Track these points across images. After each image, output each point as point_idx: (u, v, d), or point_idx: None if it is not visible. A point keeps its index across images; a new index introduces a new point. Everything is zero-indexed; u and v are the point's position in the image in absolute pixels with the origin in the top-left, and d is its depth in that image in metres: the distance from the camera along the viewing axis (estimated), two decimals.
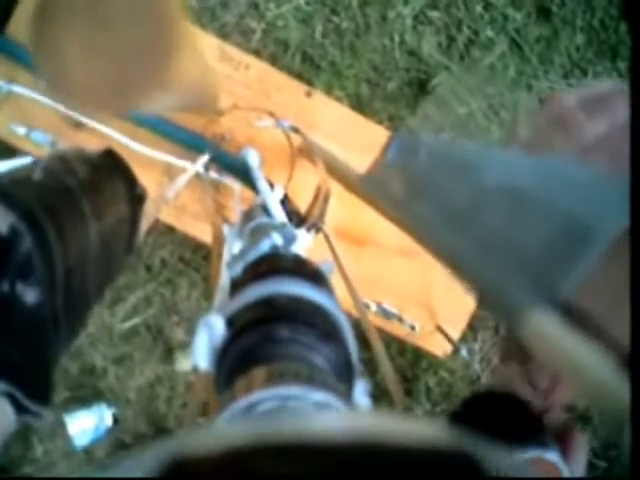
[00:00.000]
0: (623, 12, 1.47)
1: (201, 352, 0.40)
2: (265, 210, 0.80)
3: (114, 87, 0.50)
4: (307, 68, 1.41)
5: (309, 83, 1.33)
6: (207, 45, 1.22)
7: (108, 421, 1.46)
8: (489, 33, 1.47)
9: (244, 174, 1.13)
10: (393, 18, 1.43)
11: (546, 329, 0.22)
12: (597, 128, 0.28)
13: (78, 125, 1.17)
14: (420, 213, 0.36)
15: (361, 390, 0.40)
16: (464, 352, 1.46)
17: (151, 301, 1.46)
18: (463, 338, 1.42)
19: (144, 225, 0.88)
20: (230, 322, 0.42)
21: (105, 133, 1.14)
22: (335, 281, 0.51)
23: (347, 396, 0.36)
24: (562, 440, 0.59)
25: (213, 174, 1.15)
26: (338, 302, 0.46)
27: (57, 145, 1.17)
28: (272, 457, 0.17)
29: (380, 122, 1.38)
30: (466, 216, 0.30)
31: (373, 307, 1.31)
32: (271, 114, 1.15)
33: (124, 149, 1.11)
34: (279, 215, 0.78)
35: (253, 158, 1.15)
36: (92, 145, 0.83)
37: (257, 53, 1.34)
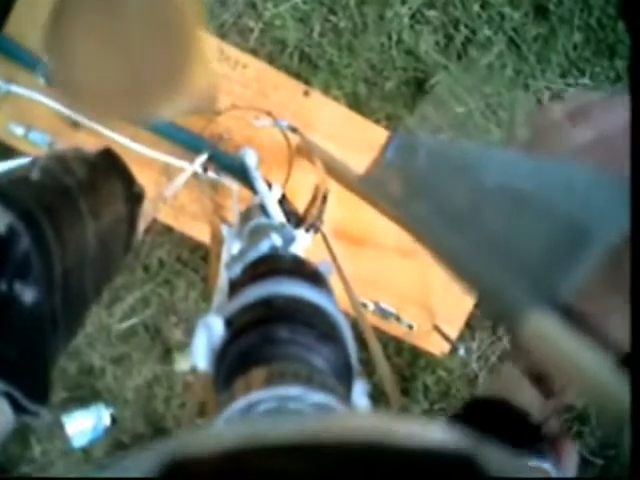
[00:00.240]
0: (620, 11, 1.47)
1: (200, 353, 0.40)
2: (263, 210, 0.80)
3: (129, 94, 0.50)
4: (305, 67, 1.41)
5: (307, 82, 1.33)
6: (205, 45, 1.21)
7: (106, 421, 1.46)
8: (487, 32, 1.47)
9: (242, 174, 1.13)
10: (390, 17, 1.43)
11: (545, 330, 0.22)
12: (582, 136, 0.28)
13: (76, 125, 1.16)
14: (419, 213, 0.36)
15: (360, 391, 0.40)
16: (462, 351, 1.46)
17: (149, 301, 1.46)
18: (461, 337, 1.42)
19: (142, 224, 0.88)
20: (229, 323, 0.42)
21: (103, 133, 1.13)
22: (333, 281, 0.51)
23: (346, 397, 0.36)
24: (554, 448, 0.59)
25: (211, 174, 1.15)
26: (337, 302, 0.46)
27: (55, 145, 1.17)
28: (271, 457, 0.17)
29: (378, 121, 1.38)
30: (465, 217, 0.30)
31: (371, 306, 1.31)
32: (269, 113, 1.15)
33: (122, 149, 1.10)
34: (277, 215, 0.78)
35: (251, 158, 1.15)
36: (90, 145, 0.83)
37: (255, 52, 1.34)
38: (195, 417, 0.50)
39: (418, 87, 1.46)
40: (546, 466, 0.55)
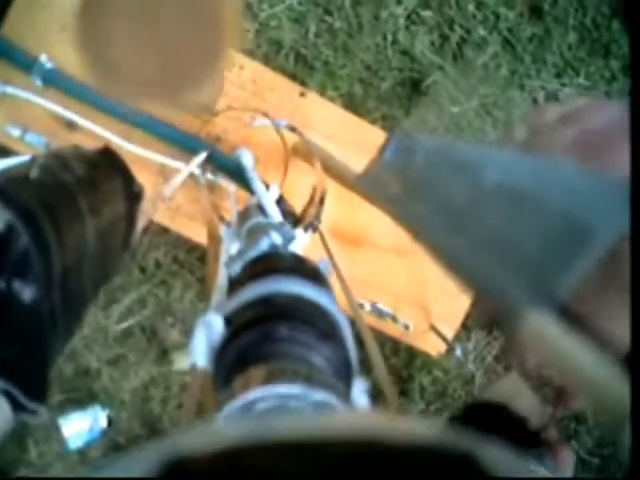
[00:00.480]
0: (617, 10, 1.48)
1: (199, 351, 0.40)
2: (261, 210, 0.80)
3: (165, 77, 0.50)
4: (301, 68, 1.41)
5: (303, 83, 1.33)
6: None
7: (103, 423, 1.45)
8: (482, 32, 1.48)
9: (239, 175, 1.13)
10: (386, 18, 1.44)
11: (544, 330, 0.22)
12: (565, 135, 0.29)
13: (72, 126, 1.16)
14: (417, 213, 0.36)
15: (360, 389, 0.40)
16: (458, 351, 1.47)
17: (145, 302, 1.46)
18: (457, 337, 1.42)
19: (140, 223, 0.88)
20: (228, 321, 0.42)
21: (100, 134, 1.13)
22: (330, 281, 0.51)
23: (346, 395, 0.36)
24: (552, 454, 0.59)
25: (208, 175, 1.15)
26: (337, 301, 0.46)
27: (52, 146, 1.17)
28: (270, 456, 0.17)
29: (374, 122, 1.38)
30: (463, 216, 0.30)
31: (367, 307, 1.31)
32: (265, 114, 1.15)
33: (118, 149, 1.10)
34: (275, 215, 0.78)
35: (247, 158, 1.15)
36: (87, 146, 0.83)
37: (251, 53, 1.34)
38: (193, 415, 0.50)
39: (414, 87, 1.46)
40: (543, 471, 0.56)
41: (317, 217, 0.83)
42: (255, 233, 0.61)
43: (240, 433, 0.18)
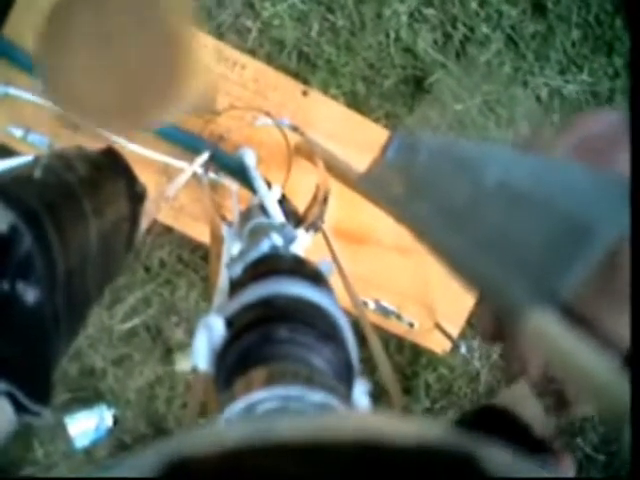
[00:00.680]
0: (620, 7, 1.47)
1: (201, 353, 0.40)
2: (263, 210, 0.80)
3: (125, 105, 0.50)
4: (303, 67, 1.41)
5: (305, 82, 1.33)
6: (203, 45, 1.21)
7: (108, 422, 1.46)
8: (485, 30, 1.47)
9: (241, 174, 1.13)
10: (388, 16, 1.43)
11: (545, 329, 0.22)
12: (567, 141, 0.29)
13: (75, 127, 1.16)
14: (420, 212, 0.36)
15: (361, 390, 0.40)
16: (463, 349, 1.46)
17: (150, 302, 1.46)
18: (462, 335, 1.42)
19: (144, 223, 0.88)
20: (230, 323, 0.42)
21: (102, 135, 1.13)
22: (333, 279, 0.51)
23: (347, 396, 0.36)
24: (554, 461, 0.59)
25: (211, 174, 1.15)
26: (338, 302, 0.46)
27: (54, 147, 1.17)
28: (271, 457, 0.17)
29: (377, 120, 1.38)
30: (466, 215, 0.30)
31: (371, 305, 1.31)
32: (268, 114, 1.15)
33: (121, 150, 1.10)
34: (277, 215, 0.78)
35: (250, 158, 1.15)
36: (90, 146, 0.83)
37: (253, 52, 1.34)
38: (197, 417, 0.50)
39: (417, 85, 1.46)
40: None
41: (320, 216, 0.83)
42: (256, 234, 0.61)
43: (242, 435, 0.18)
